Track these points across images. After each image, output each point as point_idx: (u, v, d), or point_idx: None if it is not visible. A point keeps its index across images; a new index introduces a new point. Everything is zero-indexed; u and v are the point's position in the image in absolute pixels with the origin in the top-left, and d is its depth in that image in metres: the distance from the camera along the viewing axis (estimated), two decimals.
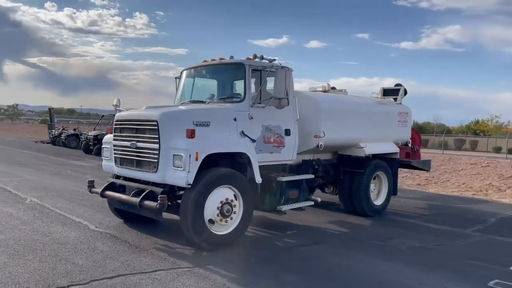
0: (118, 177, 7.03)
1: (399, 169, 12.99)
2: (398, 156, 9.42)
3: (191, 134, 5.80)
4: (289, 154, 7.17)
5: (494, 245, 7.15)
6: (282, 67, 6.72)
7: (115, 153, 6.88)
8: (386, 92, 10.22)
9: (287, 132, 7.04)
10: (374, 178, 9.01)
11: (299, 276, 5.23)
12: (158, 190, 6.05)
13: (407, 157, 10.06)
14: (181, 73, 7.87)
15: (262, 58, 6.82)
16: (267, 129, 6.76)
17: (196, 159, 5.68)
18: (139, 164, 6.37)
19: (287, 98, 6.77)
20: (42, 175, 13.10)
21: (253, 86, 6.95)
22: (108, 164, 7.15)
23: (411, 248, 6.67)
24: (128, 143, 6.48)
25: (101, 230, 6.89)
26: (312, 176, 7.63)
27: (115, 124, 6.87)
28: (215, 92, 7.41)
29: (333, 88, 10.12)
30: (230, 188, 6.10)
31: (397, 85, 10.22)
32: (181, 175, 5.71)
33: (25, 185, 10.96)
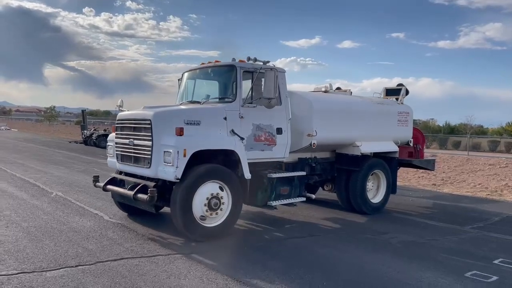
0: (121, 172, 7.53)
1: (414, 169, 13.09)
2: (397, 155, 9.63)
3: (179, 132, 6.23)
4: (281, 152, 7.50)
5: (486, 241, 7.33)
6: (271, 68, 7.08)
7: (116, 150, 7.41)
8: (389, 92, 10.41)
9: (279, 131, 7.38)
10: (372, 176, 9.25)
11: (284, 263, 5.68)
12: (151, 184, 6.52)
13: (410, 157, 10.23)
14: (182, 75, 8.32)
15: (255, 60, 7.26)
16: (258, 128, 7.13)
17: (184, 155, 6.11)
18: (136, 160, 6.85)
19: (278, 98, 7.20)
20: (70, 172, 14.02)
21: (249, 87, 7.20)
22: (112, 160, 7.68)
23: (401, 242, 6.98)
24: (127, 141, 7.00)
25: (114, 220, 7.54)
26: (303, 173, 7.90)
27: (117, 123, 7.43)
28: (210, 92, 7.80)
29: (338, 88, 10.45)
30: (218, 182, 6.50)
31: (399, 85, 10.41)
32: (170, 170, 6.17)
33: (53, 180, 11.85)
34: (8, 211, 7.92)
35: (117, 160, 7.42)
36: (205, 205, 6.38)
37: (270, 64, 7.36)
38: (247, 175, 6.76)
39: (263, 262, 5.65)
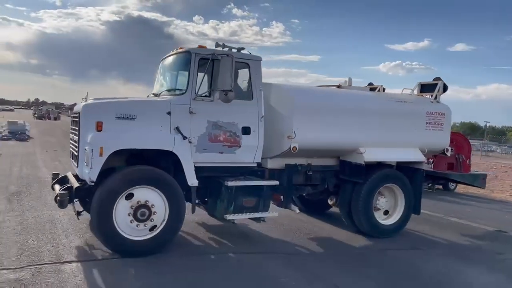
0: None
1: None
2: (422, 166, 7.62)
3: (98, 127, 5.35)
4: (248, 156, 6.22)
5: None
6: (228, 54, 5.86)
7: (70, 147, 6.52)
8: (424, 87, 8.36)
9: (246, 131, 6.12)
10: (386, 190, 7.42)
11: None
12: (76, 186, 5.63)
13: (450, 169, 8.47)
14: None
15: (224, 46, 6.28)
16: (215, 125, 5.94)
17: (101, 155, 5.17)
18: (74, 158, 5.98)
19: (250, 92, 6.21)
20: None
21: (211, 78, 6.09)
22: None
23: None
24: (72, 136, 6.27)
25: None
26: (276, 182, 6.35)
27: (71, 117, 6.60)
28: (173, 84, 6.67)
29: (370, 84, 8.81)
30: (149, 188, 5.44)
31: (435, 79, 8.35)
32: (85, 171, 5.30)
33: None
34: None
35: (70, 157, 6.53)
36: (129, 214, 5.31)
37: (245, 51, 6.28)
38: (191, 181, 5.62)
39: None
